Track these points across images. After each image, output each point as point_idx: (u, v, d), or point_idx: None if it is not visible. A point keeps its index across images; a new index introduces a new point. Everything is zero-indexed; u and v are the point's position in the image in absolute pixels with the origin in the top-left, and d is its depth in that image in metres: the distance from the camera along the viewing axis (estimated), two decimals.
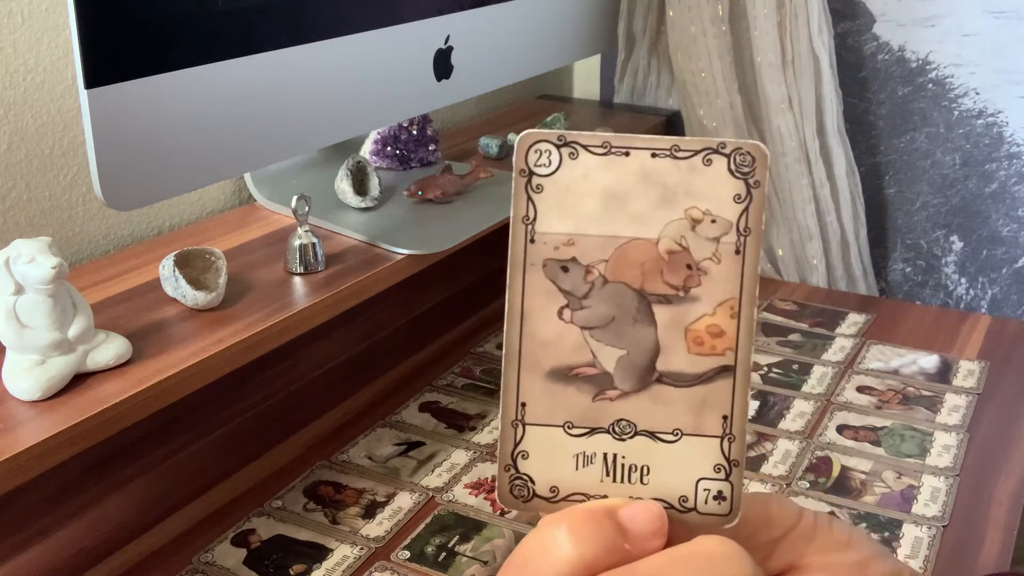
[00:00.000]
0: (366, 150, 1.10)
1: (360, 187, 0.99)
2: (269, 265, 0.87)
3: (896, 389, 0.98)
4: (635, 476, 0.29)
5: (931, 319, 1.14)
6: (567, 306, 0.29)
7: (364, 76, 0.93)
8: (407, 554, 0.75)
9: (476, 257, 1.02)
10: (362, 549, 0.76)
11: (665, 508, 0.29)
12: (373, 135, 1.09)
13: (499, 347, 1.06)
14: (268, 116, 0.83)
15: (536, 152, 0.29)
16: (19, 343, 0.65)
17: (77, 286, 0.70)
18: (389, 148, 1.09)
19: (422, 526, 0.78)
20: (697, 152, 0.29)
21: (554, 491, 0.29)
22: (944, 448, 0.88)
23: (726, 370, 0.29)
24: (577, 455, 0.29)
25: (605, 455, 0.29)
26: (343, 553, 0.75)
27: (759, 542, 0.31)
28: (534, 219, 0.29)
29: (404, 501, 0.81)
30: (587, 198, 0.29)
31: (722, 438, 0.29)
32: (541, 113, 1.31)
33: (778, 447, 0.88)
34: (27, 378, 0.65)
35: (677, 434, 0.29)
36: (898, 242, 1.41)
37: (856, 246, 1.35)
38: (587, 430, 0.29)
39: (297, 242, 0.85)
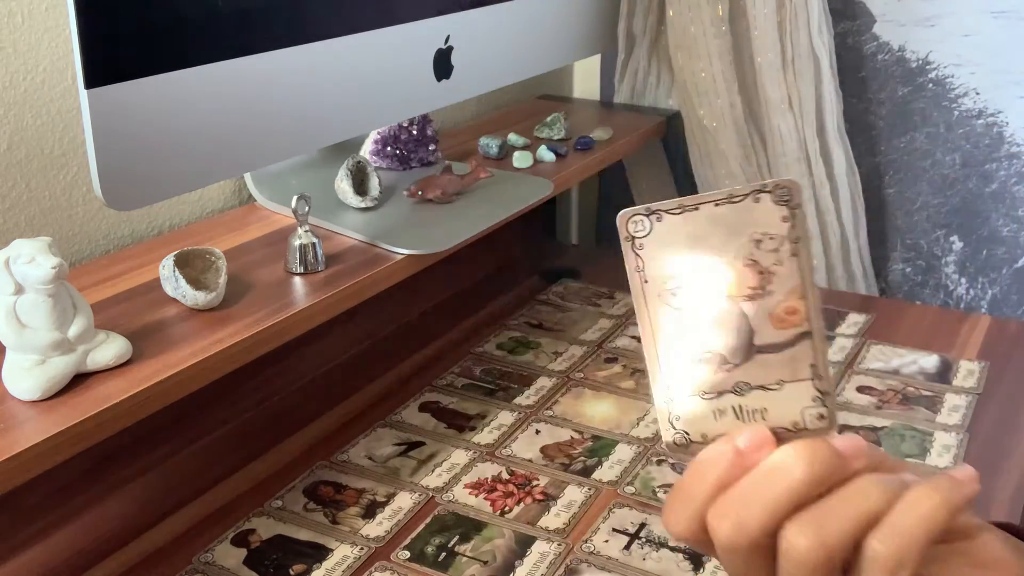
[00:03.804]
0: (366, 150, 1.10)
1: (360, 187, 0.99)
2: (269, 265, 0.86)
3: (896, 389, 0.98)
4: (757, 416, 0.40)
5: (931, 319, 1.14)
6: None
7: (364, 76, 0.93)
8: (407, 554, 0.75)
9: (476, 257, 1.02)
10: (362, 549, 0.76)
11: (784, 432, 0.39)
12: (373, 135, 1.09)
13: (499, 347, 1.06)
14: (268, 116, 0.83)
15: (633, 223, 0.40)
16: (19, 343, 0.65)
17: (77, 286, 0.70)
18: (389, 148, 1.09)
19: (422, 526, 0.78)
20: (747, 195, 0.39)
21: (704, 437, 0.40)
22: (944, 448, 0.88)
23: (805, 335, 0.39)
24: (714, 411, 0.40)
25: (733, 407, 0.40)
26: (343, 553, 0.75)
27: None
28: (643, 269, 0.40)
29: (404, 501, 0.81)
30: (676, 245, 0.40)
31: (812, 379, 0.39)
32: (541, 113, 1.31)
33: None
34: (27, 378, 0.65)
35: (780, 384, 0.40)
36: (898, 242, 1.41)
37: (856, 246, 1.35)
38: (717, 394, 0.40)
39: (297, 242, 0.85)
